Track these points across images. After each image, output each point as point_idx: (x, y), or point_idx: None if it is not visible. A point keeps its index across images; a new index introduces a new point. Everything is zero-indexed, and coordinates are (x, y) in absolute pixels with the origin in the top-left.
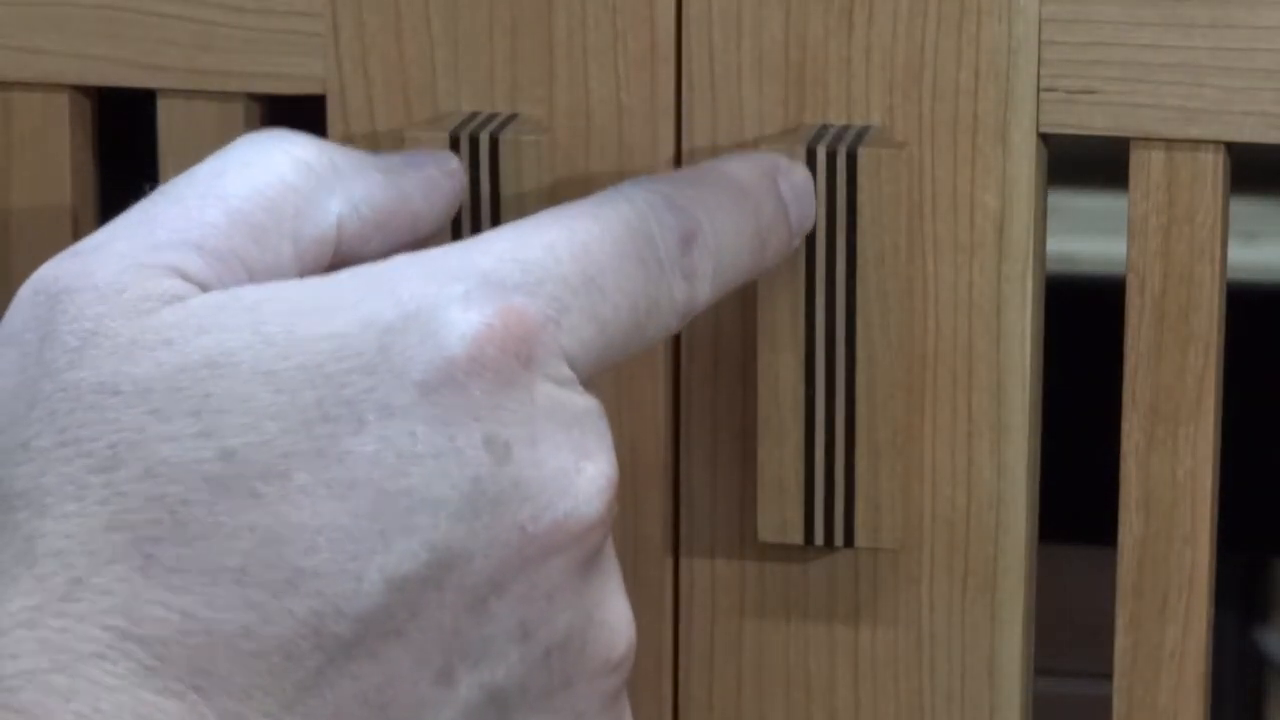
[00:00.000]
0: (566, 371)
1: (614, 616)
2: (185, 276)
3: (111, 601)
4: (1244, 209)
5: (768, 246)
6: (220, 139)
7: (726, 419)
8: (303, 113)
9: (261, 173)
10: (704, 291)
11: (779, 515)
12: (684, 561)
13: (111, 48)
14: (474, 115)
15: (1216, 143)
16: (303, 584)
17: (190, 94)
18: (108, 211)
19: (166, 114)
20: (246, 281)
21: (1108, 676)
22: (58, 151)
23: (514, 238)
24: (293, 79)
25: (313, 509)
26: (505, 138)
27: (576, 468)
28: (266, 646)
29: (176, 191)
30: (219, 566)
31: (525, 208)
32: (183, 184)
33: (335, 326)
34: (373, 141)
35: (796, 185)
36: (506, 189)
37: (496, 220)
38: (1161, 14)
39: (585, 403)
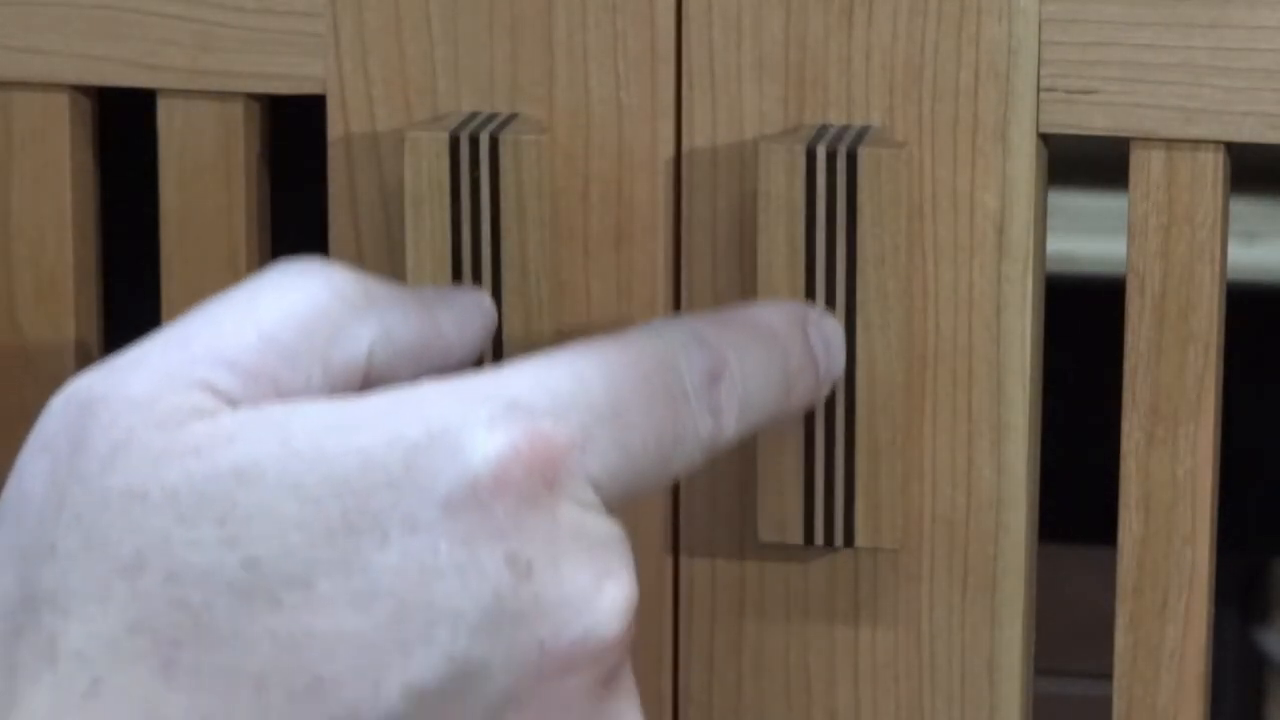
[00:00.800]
0: (591, 496)
1: None
2: (216, 392)
3: (131, 703)
4: (1244, 209)
5: (794, 391)
6: (220, 139)
7: None
8: (303, 113)
9: (296, 297)
10: (729, 428)
11: (779, 515)
12: (684, 561)
13: (111, 48)
14: (474, 115)
15: (1216, 143)
16: (322, 692)
17: (190, 94)
18: (108, 211)
19: (166, 114)
20: (276, 401)
21: (1108, 676)
22: (58, 151)
23: (543, 366)
24: (293, 79)
25: (334, 618)
26: (505, 138)
27: (597, 587)
28: None
29: (211, 312)
30: (239, 672)
31: (525, 208)
32: (217, 305)
33: (362, 442)
34: (373, 141)
35: (826, 335)
36: (506, 189)
37: (496, 219)
38: (1161, 14)
39: (608, 527)
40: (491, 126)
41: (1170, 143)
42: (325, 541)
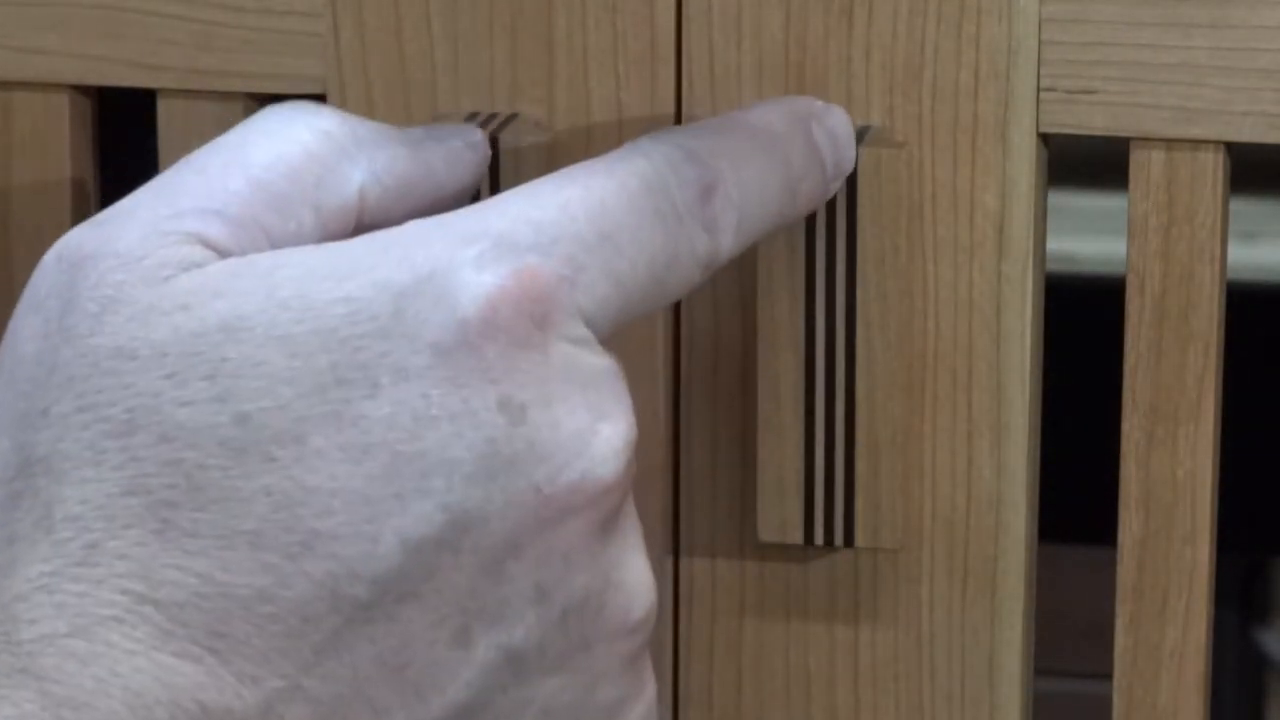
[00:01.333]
0: (583, 331)
1: (632, 579)
2: (206, 243)
3: (128, 565)
4: (1244, 209)
5: (799, 194)
6: None
7: (726, 419)
8: None
9: (284, 142)
10: (727, 243)
11: (779, 515)
12: (684, 561)
13: (111, 48)
14: (474, 115)
15: (1216, 143)
16: (318, 547)
17: (190, 94)
18: None
19: (166, 114)
20: (267, 249)
21: (1108, 676)
22: (58, 151)
23: (528, 198)
24: (293, 79)
25: (328, 472)
26: (505, 138)
27: (593, 429)
28: (283, 609)
29: (199, 161)
30: (235, 530)
31: None
32: (206, 153)
33: (349, 290)
34: None
35: (832, 129)
36: (506, 189)
37: None
38: (1161, 14)
39: (602, 363)
40: (491, 126)
41: (1170, 143)
42: (316, 394)
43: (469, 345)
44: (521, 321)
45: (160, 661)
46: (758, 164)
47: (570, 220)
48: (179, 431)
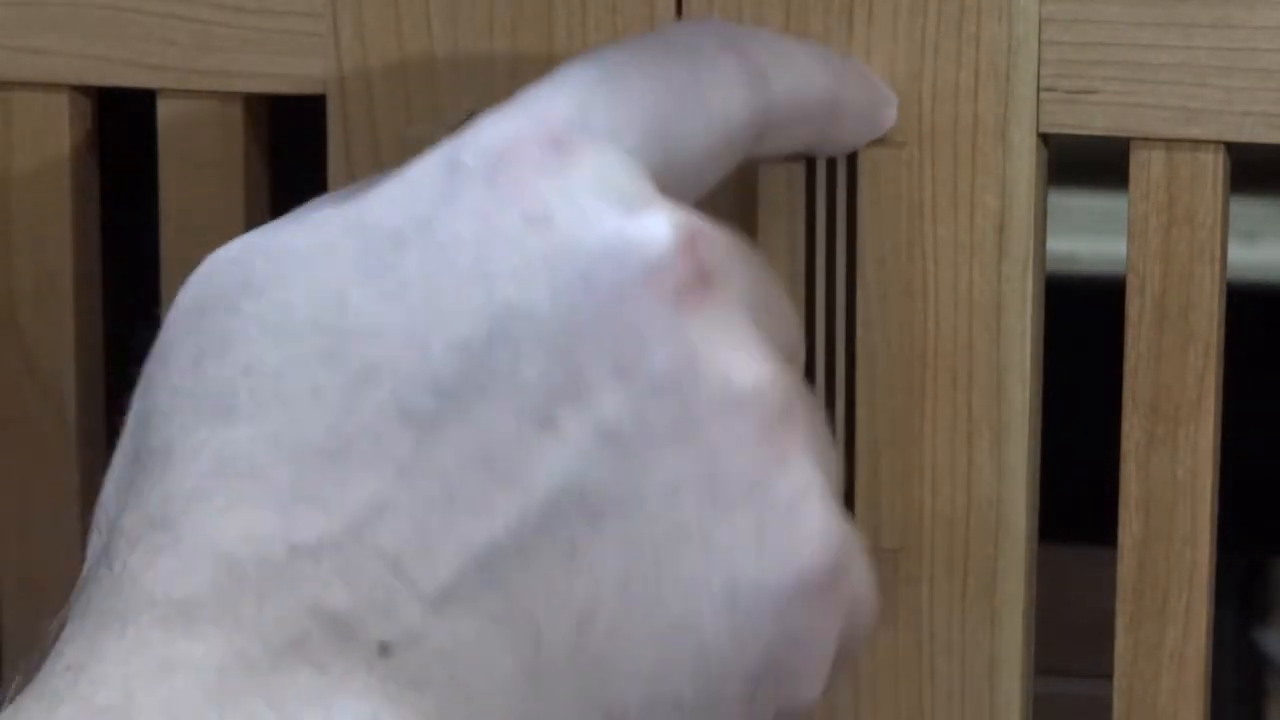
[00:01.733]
0: (609, 151)
1: (726, 348)
2: None
3: (195, 451)
4: (1244, 209)
5: (845, 83)
6: (220, 139)
7: None
8: (303, 113)
9: None
10: (763, 61)
11: None
12: None
13: (111, 48)
14: (474, 115)
15: (1216, 143)
16: (372, 375)
17: (190, 94)
18: (108, 211)
19: (166, 114)
20: None
21: (1108, 676)
22: (58, 151)
23: (529, 89)
24: (293, 79)
25: (370, 316)
26: None
27: (629, 216)
28: (354, 437)
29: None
30: (290, 389)
31: None
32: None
33: (360, 207)
34: (373, 141)
35: (853, 64)
36: None
37: None
38: (1161, 14)
39: (634, 176)
40: None
41: (1170, 143)
42: (348, 268)
43: (484, 182)
44: (533, 155)
45: (238, 520)
46: (777, 40)
47: (566, 76)
48: (235, 345)
